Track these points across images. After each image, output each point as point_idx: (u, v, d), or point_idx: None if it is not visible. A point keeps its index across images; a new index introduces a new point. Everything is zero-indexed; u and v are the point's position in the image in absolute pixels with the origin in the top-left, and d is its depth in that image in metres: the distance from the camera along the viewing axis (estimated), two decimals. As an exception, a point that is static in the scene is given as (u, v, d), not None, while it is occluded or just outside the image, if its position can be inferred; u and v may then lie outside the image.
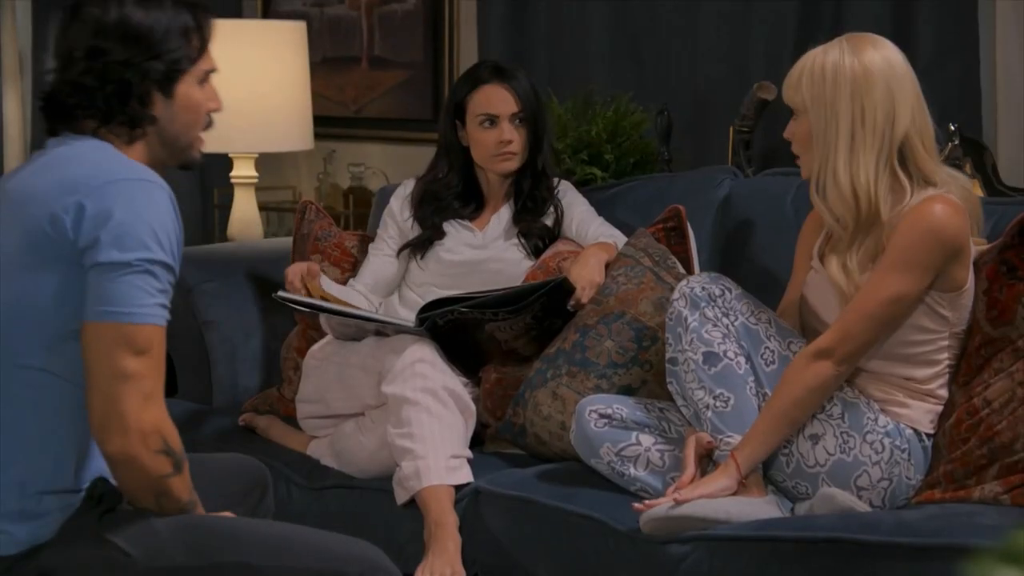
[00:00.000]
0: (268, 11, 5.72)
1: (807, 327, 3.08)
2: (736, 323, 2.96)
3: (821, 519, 2.82)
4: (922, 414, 2.97)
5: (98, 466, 2.40)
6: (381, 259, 3.76)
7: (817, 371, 2.89)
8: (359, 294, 3.72)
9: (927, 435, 2.97)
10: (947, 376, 2.98)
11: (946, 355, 2.97)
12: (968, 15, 4.10)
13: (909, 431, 2.94)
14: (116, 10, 2.42)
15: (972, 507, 2.85)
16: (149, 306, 2.30)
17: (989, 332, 2.95)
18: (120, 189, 2.31)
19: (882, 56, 2.93)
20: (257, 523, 2.59)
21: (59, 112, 2.45)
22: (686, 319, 2.97)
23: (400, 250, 3.74)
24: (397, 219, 3.78)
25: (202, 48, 2.48)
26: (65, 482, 2.37)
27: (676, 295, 3.00)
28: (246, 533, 2.45)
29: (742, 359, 2.95)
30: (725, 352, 2.94)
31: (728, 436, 2.92)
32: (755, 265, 3.64)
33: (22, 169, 2.47)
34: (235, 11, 5.66)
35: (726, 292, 2.98)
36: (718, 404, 2.93)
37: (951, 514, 2.82)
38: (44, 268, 2.31)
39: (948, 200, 2.88)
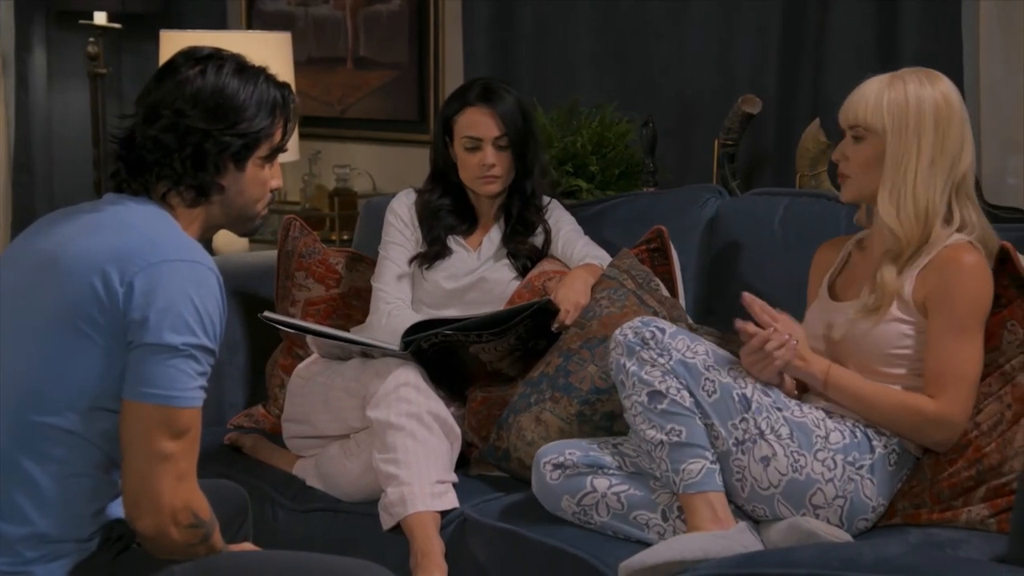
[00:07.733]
0: (252, 11, 5.71)
1: None
2: (672, 361, 2.99)
3: (801, 552, 2.80)
4: None
5: (115, 511, 2.43)
6: (402, 266, 3.72)
7: (929, 416, 2.95)
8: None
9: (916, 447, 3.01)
10: None
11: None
12: (951, 26, 4.11)
13: (880, 449, 2.97)
14: (214, 77, 2.43)
15: (956, 534, 2.87)
16: (191, 389, 2.32)
17: (977, 357, 3.00)
18: (172, 271, 2.32)
19: (956, 93, 3.04)
20: (271, 554, 2.61)
21: (136, 164, 2.45)
22: (625, 366, 3.01)
23: (411, 260, 3.73)
24: (408, 223, 3.75)
25: (281, 127, 2.51)
26: (83, 532, 2.41)
27: (612, 345, 3.05)
28: (261, 565, 2.49)
29: (685, 393, 2.98)
30: (667, 389, 2.97)
31: (691, 463, 2.94)
32: (742, 286, 3.58)
33: (68, 222, 2.45)
34: (220, 20, 5.65)
35: (657, 333, 3.01)
36: (672, 438, 2.96)
37: (933, 543, 2.84)
38: (86, 333, 2.31)
39: (974, 249, 2.99)
